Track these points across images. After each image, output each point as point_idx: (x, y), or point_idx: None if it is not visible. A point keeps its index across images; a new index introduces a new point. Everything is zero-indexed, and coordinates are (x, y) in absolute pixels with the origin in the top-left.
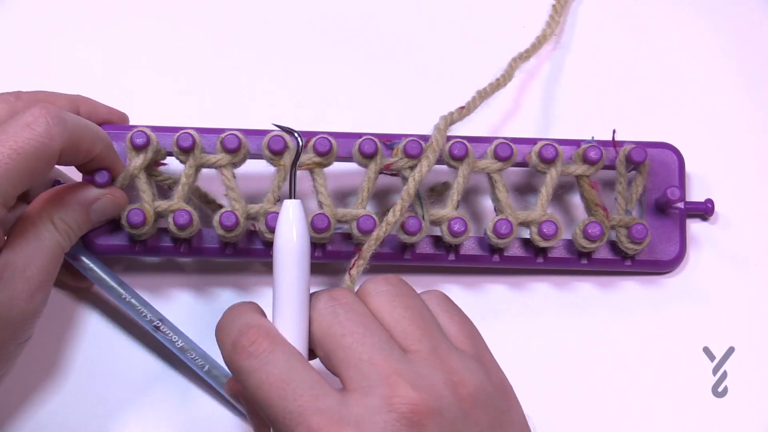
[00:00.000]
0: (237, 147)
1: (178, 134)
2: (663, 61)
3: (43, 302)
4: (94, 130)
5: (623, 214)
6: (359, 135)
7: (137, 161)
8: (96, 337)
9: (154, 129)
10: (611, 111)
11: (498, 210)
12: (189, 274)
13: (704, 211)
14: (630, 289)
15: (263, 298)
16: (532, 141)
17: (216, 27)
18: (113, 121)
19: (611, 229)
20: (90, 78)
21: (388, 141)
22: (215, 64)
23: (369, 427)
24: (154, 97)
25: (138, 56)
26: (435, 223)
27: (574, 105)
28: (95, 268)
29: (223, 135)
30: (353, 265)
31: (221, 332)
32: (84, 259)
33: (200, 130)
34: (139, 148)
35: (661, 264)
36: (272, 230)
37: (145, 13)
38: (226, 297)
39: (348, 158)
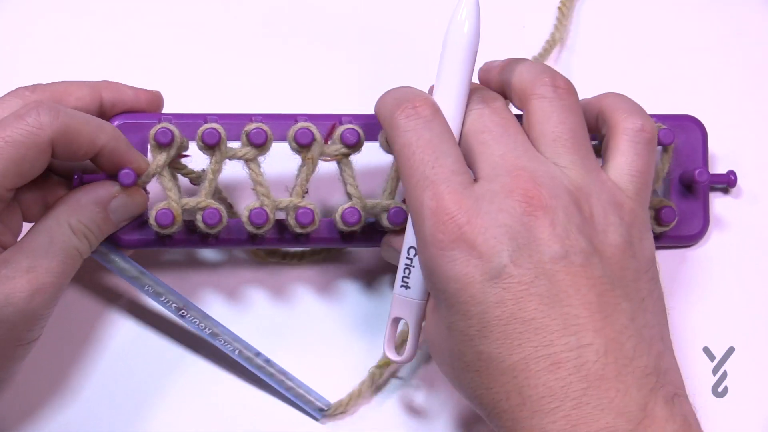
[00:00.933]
0: (264, 141)
1: (203, 129)
2: (673, 38)
3: (46, 305)
4: (94, 122)
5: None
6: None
7: (160, 159)
8: (116, 343)
9: (175, 117)
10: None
11: None
12: (215, 270)
13: (727, 183)
14: None
15: (296, 299)
16: None
17: (221, 9)
18: (141, 103)
19: None
20: (96, 68)
21: None
22: (222, 47)
23: (486, 205)
24: (161, 83)
25: (143, 41)
26: None
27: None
28: (116, 259)
29: (248, 128)
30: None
31: (387, 95)
32: (104, 250)
33: (221, 116)
34: (162, 146)
35: (684, 238)
36: (302, 225)
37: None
38: (257, 298)
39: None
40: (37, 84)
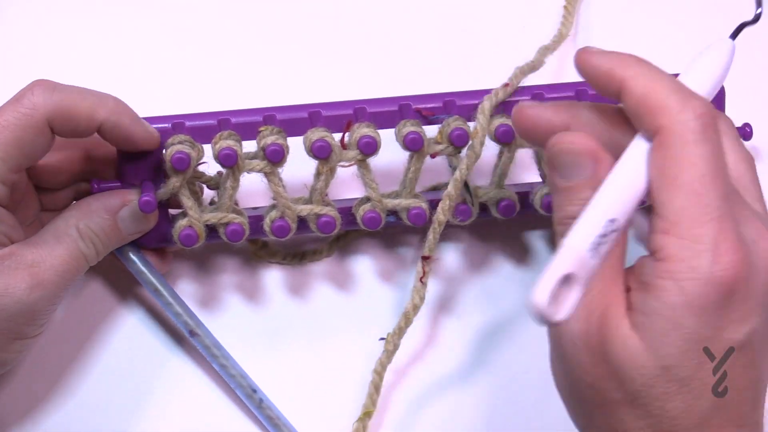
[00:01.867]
0: (281, 159)
1: (219, 148)
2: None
3: (46, 301)
4: (92, 97)
5: None
6: (401, 114)
7: (176, 182)
8: (117, 343)
9: (188, 118)
10: None
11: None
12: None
13: (742, 136)
14: None
15: (303, 300)
16: (571, 87)
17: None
18: (137, 137)
19: None
20: (94, 67)
21: (431, 114)
22: (223, 40)
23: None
24: (156, 78)
25: (138, 39)
26: (483, 205)
27: None
28: (145, 271)
29: (265, 143)
30: (424, 273)
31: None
32: (134, 260)
33: (233, 113)
34: (179, 171)
35: None
36: (324, 233)
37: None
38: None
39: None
40: (53, 88)
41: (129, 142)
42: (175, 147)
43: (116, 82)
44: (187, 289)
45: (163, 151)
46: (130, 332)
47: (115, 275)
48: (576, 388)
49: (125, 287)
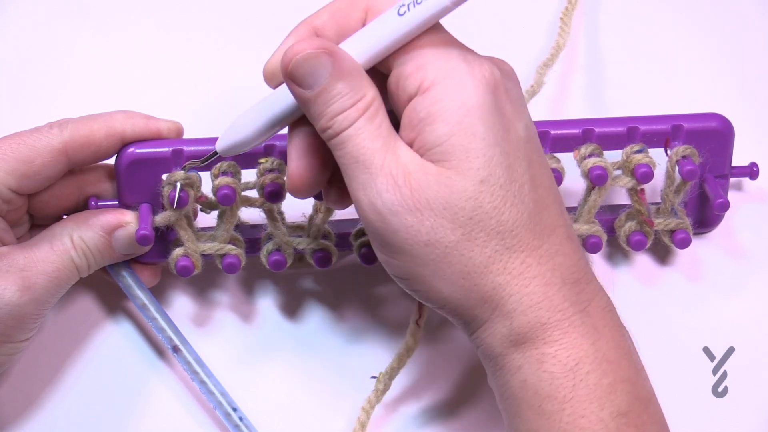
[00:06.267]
0: (280, 199)
1: (217, 187)
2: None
3: (35, 306)
4: (101, 115)
5: (668, 212)
6: None
7: (173, 216)
8: (107, 353)
9: (186, 143)
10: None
11: None
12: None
13: (749, 175)
14: (629, 286)
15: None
16: (579, 124)
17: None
18: (159, 135)
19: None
20: (91, 74)
21: None
22: (223, 42)
23: None
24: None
25: (134, 51)
26: None
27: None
28: (133, 285)
29: (263, 182)
30: (420, 316)
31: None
32: (123, 274)
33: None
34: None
35: (697, 226)
36: (320, 267)
37: (141, 9)
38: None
39: None
40: (67, 120)
41: (155, 138)
42: (174, 185)
43: (114, 86)
44: (177, 304)
45: (162, 178)
46: (117, 345)
47: (103, 288)
48: (418, 260)
49: (113, 300)
